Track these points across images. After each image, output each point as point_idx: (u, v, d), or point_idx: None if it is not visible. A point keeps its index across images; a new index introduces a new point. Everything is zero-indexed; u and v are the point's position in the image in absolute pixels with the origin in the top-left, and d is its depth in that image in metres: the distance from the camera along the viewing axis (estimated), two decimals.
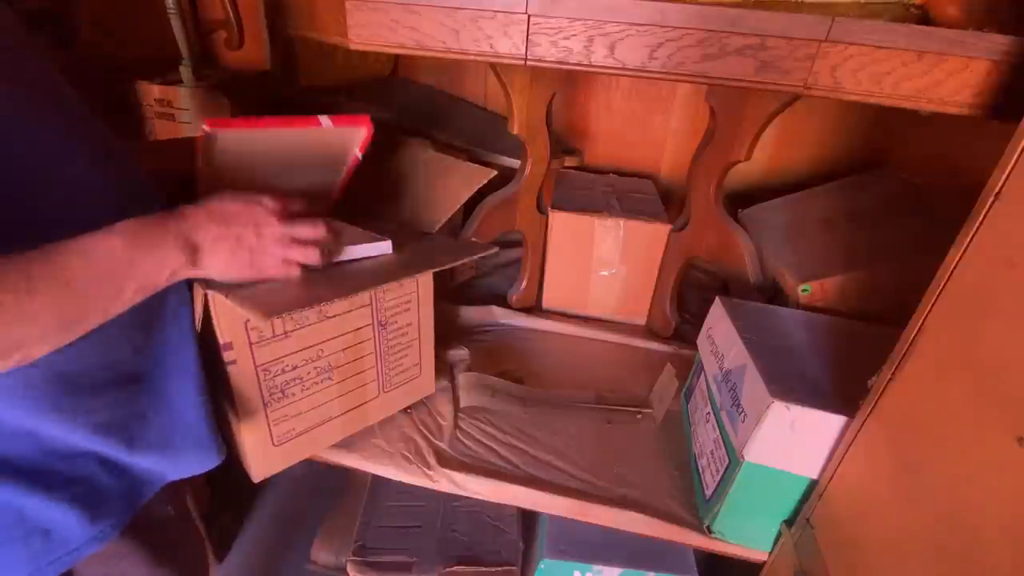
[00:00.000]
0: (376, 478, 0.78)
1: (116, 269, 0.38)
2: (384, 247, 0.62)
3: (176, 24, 1.04)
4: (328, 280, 0.54)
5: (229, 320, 0.52)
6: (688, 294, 1.03)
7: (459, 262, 0.63)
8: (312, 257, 0.51)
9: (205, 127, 0.49)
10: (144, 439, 0.48)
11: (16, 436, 0.40)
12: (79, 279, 0.36)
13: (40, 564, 0.42)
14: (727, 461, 0.60)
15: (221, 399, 0.57)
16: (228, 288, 0.49)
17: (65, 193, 0.40)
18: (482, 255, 0.67)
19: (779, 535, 0.60)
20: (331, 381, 0.63)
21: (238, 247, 0.46)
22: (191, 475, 0.53)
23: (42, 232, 0.36)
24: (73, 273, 0.35)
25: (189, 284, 0.50)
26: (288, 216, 0.49)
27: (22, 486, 0.40)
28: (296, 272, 0.51)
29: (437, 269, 0.62)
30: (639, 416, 0.80)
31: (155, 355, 0.48)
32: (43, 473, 0.41)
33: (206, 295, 0.49)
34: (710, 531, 0.62)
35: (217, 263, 0.45)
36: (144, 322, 0.46)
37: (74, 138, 0.42)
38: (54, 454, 0.42)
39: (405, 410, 0.76)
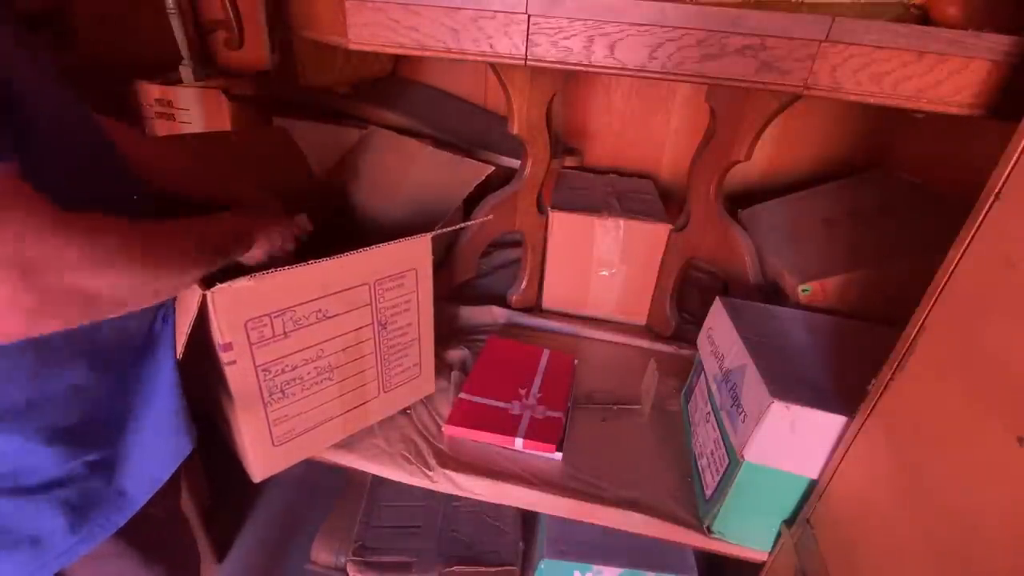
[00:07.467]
0: (376, 478, 0.78)
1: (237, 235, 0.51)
2: None
3: (176, 24, 1.04)
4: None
5: (229, 320, 0.52)
6: (688, 294, 1.03)
7: (457, 202, 0.65)
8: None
9: None
10: (121, 434, 0.48)
11: None
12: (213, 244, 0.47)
13: (31, 568, 0.43)
14: (727, 461, 0.60)
15: (220, 399, 0.57)
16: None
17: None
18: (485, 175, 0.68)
19: (779, 535, 0.60)
20: (331, 381, 0.63)
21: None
22: (172, 470, 0.52)
23: None
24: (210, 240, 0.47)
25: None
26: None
27: (5, 498, 0.41)
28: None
29: (433, 234, 0.63)
30: (623, 409, 0.79)
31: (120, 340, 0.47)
32: (26, 483, 0.42)
33: (204, 295, 0.49)
34: (710, 531, 0.62)
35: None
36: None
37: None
38: (35, 461, 0.42)
39: (405, 410, 0.76)
